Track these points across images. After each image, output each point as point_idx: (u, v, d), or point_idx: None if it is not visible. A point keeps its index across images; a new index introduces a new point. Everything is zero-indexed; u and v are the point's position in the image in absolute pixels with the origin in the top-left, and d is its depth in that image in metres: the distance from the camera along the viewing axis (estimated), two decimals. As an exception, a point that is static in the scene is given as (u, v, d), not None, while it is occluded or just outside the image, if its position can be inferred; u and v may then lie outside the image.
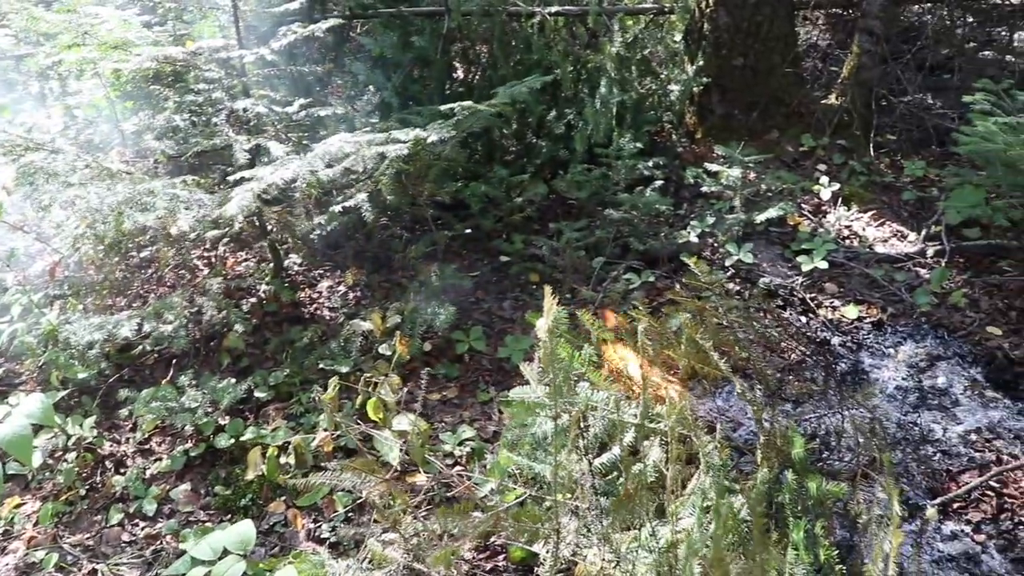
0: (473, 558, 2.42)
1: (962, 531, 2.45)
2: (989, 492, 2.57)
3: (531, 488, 2.00)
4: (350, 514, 2.64)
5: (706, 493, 1.71)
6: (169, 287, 3.72)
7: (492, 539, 2.41)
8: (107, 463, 2.92)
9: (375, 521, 2.16)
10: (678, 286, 3.38)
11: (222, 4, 3.44)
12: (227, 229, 3.34)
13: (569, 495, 1.85)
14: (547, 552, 1.68)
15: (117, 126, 3.60)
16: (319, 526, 2.62)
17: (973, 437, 2.79)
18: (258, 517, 2.69)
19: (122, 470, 2.89)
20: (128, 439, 3.02)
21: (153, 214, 2.78)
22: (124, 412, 3.04)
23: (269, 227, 3.49)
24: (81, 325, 3.03)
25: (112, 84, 3.74)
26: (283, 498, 2.74)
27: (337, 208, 3.16)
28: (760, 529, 1.69)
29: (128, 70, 3.27)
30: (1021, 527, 2.45)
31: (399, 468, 2.61)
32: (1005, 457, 2.68)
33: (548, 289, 1.58)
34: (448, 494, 2.55)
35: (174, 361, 3.30)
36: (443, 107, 3.29)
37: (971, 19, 5.55)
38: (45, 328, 3.15)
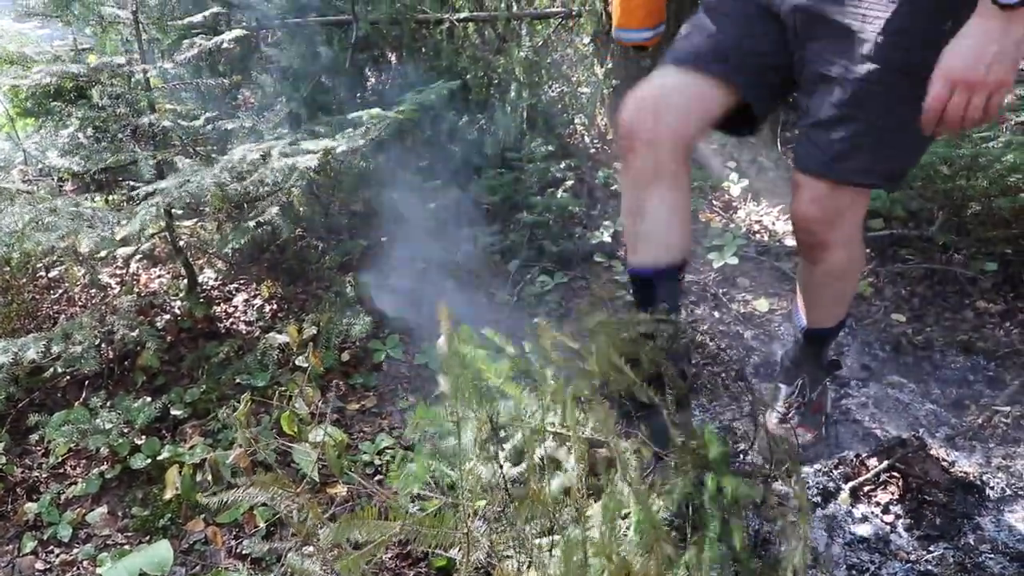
0: (396, 566, 2.43)
1: (872, 513, 2.53)
2: (895, 474, 2.66)
3: (448, 496, 2.01)
4: (271, 529, 2.62)
5: (619, 496, 1.74)
6: (81, 307, 3.65)
7: (412, 547, 2.41)
8: (18, 490, 2.85)
9: (293, 534, 2.15)
10: (587, 294, 3.43)
11: (123, 17, 3.38)
12: (137, 246, 3.29)
13: (483, 502, 1.87)
14: (461, 557, 1.70)
15: (18, 144, 3.51)
16: (240, 542, 2.60)
17: (882, 421, 2.89)
18: (178, 536, 2.65)
19: (35, 496, 2.82)
20: (40, 464, 2.96)
21: (56, 233, 2.72)
22: (35, 437, 2.97)
23: (181, 243, 3.44)
24: (-15, 350, 2.95)
25: (11, 101, 3.65)
26: (203, 516, 2.70)
27: (250, 223, 3.14)
28: (663, 528, 1.73)
29: (27, 86, 3.20)
30: (925, 505, 2.54)
31: (318, 480, 2.60)
32: (909, 438, 2.77)
33: (443, 309, 1.58)
34: (369, 504, 2.54)
35: (87, 382, 3.23)
36: (351, 115, 3.29)
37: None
38: (-53, 356, 3.05)
